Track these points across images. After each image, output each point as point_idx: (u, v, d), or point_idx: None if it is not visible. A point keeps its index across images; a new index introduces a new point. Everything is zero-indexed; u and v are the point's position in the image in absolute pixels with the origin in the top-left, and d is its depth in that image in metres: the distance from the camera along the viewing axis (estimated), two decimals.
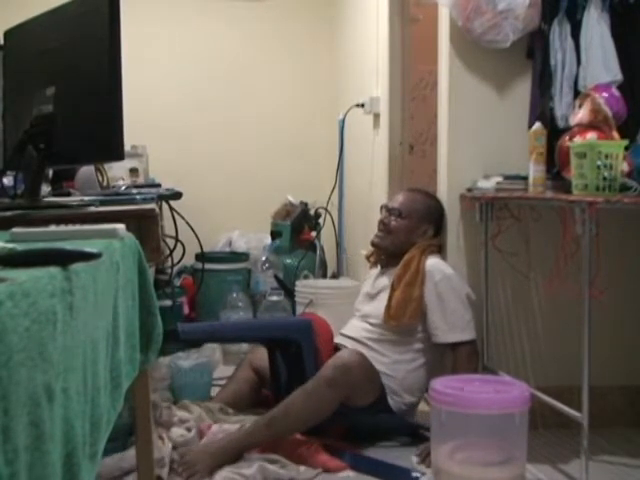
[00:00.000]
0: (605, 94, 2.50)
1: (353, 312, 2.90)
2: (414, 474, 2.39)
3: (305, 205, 4.58)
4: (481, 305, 2.86)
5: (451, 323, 2.63)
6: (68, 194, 2.14)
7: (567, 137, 2.55)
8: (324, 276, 4.42)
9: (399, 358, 2.66)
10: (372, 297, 2.80)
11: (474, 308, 2.71)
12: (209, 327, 2.79)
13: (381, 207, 2.91)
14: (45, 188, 2.02)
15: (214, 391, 3.06)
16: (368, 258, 2.98)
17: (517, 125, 2.83)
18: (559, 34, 2.69)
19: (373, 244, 2.87)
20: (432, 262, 2.70)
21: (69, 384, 0.84)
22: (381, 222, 2.84)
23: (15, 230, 1.15)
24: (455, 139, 2.87)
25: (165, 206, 2.44)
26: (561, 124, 2.67)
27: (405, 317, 2.63)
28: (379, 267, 2.89)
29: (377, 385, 2.62)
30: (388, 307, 2.65)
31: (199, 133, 4.83)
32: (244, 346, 3.50)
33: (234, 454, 2.36)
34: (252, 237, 4.65)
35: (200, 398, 2.93)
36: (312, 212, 4.58)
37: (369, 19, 3.87)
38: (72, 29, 1.65)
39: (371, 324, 2.73)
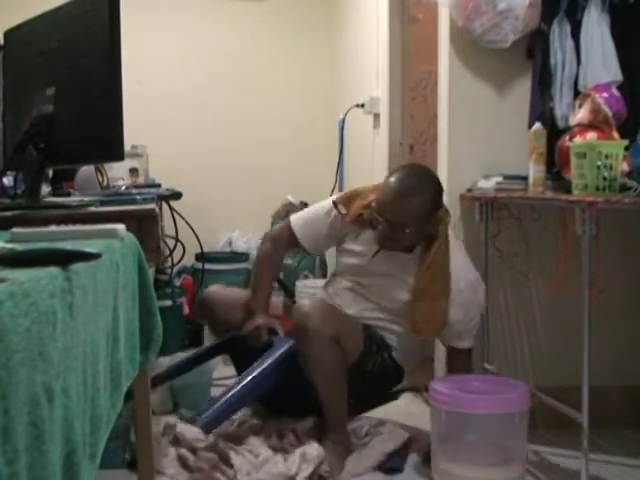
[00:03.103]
0: (605, 94, 2.50)
1: (341, 274, 2.71)
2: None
3: (305, 205, 4.58)
4: None
5: (467, 331, 2.55)
6: (68, 194, 2.14)
7: (567, 137, 2.55)
8: (324, 276, 4.42)
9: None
10: (377, 275, 2.57)
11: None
12: (226, 407, 2.49)
13: (374, 215, 2.48)
14: (45, 188, 2.02)
15: (214, 391, 3.06)
16: (357, 218, 2.57)
17: (517, 125, 2.83)
18: (559, 34, 2.69)
19: (382, 245, 2.53)
20: (457, 266, 2.51)
21: (69, 384, 0.84)
22: (384, 234, 2.47)
23: (15, 230, 1.16)
24: (455, 139, 2.87)
25: (165, 206, 2.44)
26: (561, 124, 2.67)
27: (430, 329, 2.52)
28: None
29: (358, 331, 2.53)
30: (413, 320, 2.49)
31: (199, 133, 4.82)
32: None
33: None
34: (252, 237, 4.65)
35: (200, 398, 2.93)
36: None
37: (369, 19, 3.87)
38: (72, 29, 1.65)
39: (382, 311, 2.59)
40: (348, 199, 2.63)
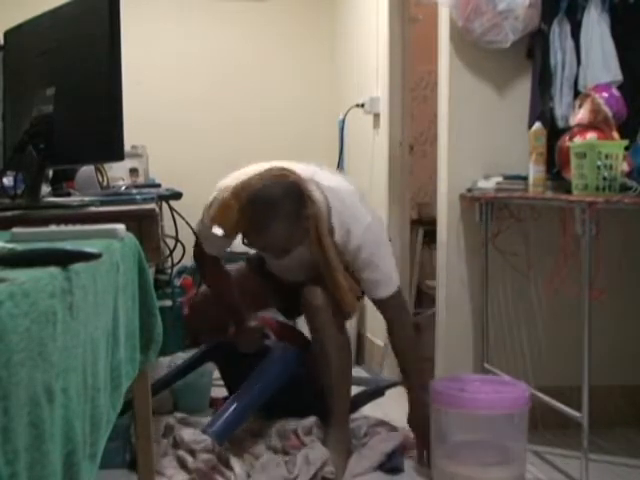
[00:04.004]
0: (605, 94, 2.50)
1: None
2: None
3: None
4: (481, 305, 2.87)
5: (380, 280, 2.46)
6: (68, 194, 2.14)
7: (567, 137, 2.55)
8: None
9: None
10: (291, 270, 2.61)
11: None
12: (235, 417, 2.47)
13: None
14: (45, 188, 2.02)
15: (214, 391, 3.06)
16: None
17: (517, 125, 2.83)
18: (559, 34, 2.69)
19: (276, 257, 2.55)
20: (346, 228, 2.40)
21: (69, 384, 0.84)
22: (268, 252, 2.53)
23: (15, 230, 1.15)
24: (455, 139, 2.87)
25: (165, 206, 2.44)
26: (561, 124, 2.67)
27: (349, 298, 2.45)
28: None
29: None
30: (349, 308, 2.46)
31: (199, 133, 4.82)
32: None
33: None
34: None
35: (200, 399, 2.93)
36: None
37: (369, 19, 3.87)
38: (72, 29, 1.64)
39: None
40: (218, 216, 2.46)
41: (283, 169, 2.44)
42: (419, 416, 2.49)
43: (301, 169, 2.46)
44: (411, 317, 2.63)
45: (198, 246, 2.63)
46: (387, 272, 2.47)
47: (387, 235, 2.61)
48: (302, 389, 2.60)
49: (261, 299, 2.85)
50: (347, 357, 2.52)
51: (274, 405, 2.59)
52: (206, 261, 2.67)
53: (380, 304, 2.53)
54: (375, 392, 2.92)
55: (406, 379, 2.57)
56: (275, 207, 2.32)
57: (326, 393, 2.46)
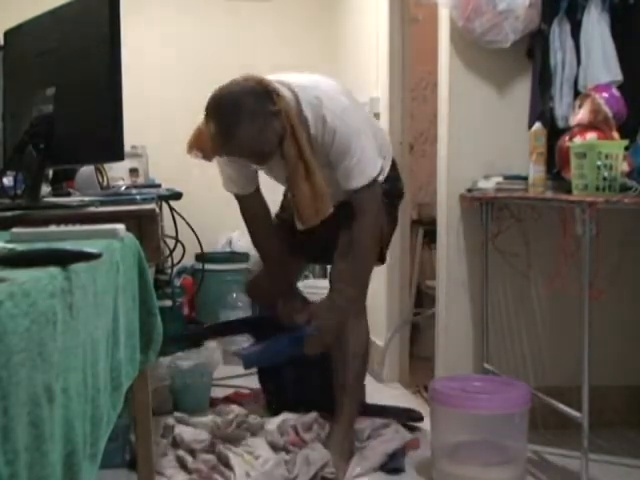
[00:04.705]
0: (605, 94, 2.50)
1: None
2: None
3: None
4: (481, 305, 2.87)
5: (357, 170, 2.31)
6: (68, 194, 2.14)
7: (567, 137, 2.55)
8: (324, 276, 4.42)
9: None
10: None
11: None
12: (267, 352, 2.51)
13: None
14: (45, 188, 2.02)
15: (214, 391, 3.06)
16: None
17: (517, 125, 2.83)
18: (559, 34, 2.69)
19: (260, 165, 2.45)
20: (315, 117, 2.28)
21: (69, 384, 0.84)
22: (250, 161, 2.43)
23: (15, 230, 1.15)
24: (455, 139, 2.87)
25: (165, 206, 2.44)
26: (561, 124, 2.67)
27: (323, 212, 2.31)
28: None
29: None
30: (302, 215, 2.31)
31: None
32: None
33: None
34: None
35: (200, 399, 2.94)
36: None
37: (369, 19, 3.87)
38: (72, 29, 1.65)
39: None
40: (195, 142, 2.44)
41: (247, 75, 2.35)
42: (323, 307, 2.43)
43: (269, 76, 2.37)
44: (379, 222, 2.41)
45: (238, 200, 2.64)
46: (363, 161, 2.31)
47: (370, 121, 2.51)
48: (311, 380, 2.61)
49: (296, 259, 2.72)
50: (366, 359, 2.54)
51: (279, 397, 2.60)
52: (245, 208, 2.63)
53: (352, 198, 2.36)
54: (396, 416, 2.86)
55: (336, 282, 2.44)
56: (237, 107, 2.24)
57: (338, 391, 2.45)
